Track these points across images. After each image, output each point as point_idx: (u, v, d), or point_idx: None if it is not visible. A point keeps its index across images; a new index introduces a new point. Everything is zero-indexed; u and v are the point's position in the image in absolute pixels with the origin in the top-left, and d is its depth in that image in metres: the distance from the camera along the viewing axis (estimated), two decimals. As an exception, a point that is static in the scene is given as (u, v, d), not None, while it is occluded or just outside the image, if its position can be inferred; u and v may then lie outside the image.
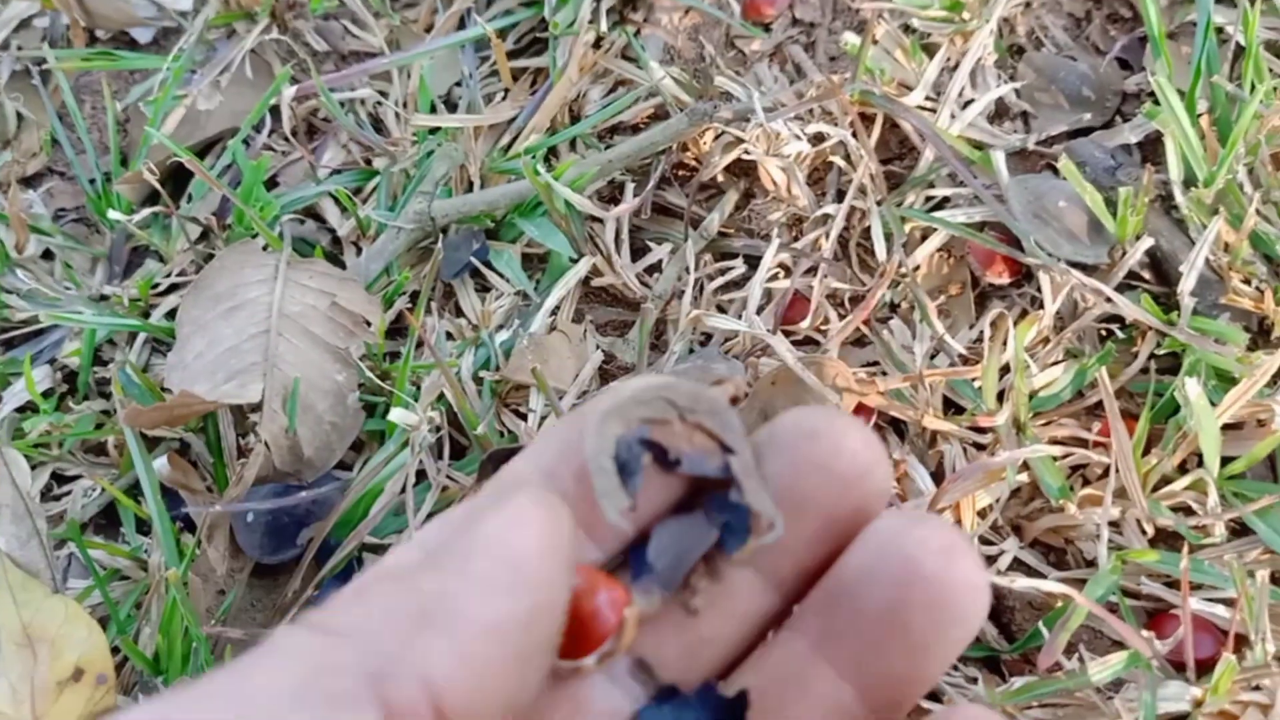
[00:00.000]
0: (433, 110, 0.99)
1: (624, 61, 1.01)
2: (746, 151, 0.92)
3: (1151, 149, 0.92)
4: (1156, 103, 0.86)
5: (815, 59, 1.03)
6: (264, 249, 0.90)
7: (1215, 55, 0.87)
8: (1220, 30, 0.92)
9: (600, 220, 0.93)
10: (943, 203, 0.91)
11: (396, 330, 0.95)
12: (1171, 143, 0.82)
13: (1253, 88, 0.85)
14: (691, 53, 1.03)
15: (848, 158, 0.93)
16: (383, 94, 1.04)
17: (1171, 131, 0.82)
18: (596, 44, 1.01)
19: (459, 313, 0.94)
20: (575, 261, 0.92)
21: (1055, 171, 0.90)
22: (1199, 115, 0.86)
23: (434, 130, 0.97)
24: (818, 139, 0.93)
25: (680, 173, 0.99)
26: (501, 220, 0.95)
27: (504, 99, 1.00)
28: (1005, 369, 0.80)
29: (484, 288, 0.95)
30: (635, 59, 1.01)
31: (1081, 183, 0.80)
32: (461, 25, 1.04)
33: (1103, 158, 0.87)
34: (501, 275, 0.93)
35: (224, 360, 0.82)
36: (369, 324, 0.87)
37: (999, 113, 0.96)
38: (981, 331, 0.87)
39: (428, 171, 0.93)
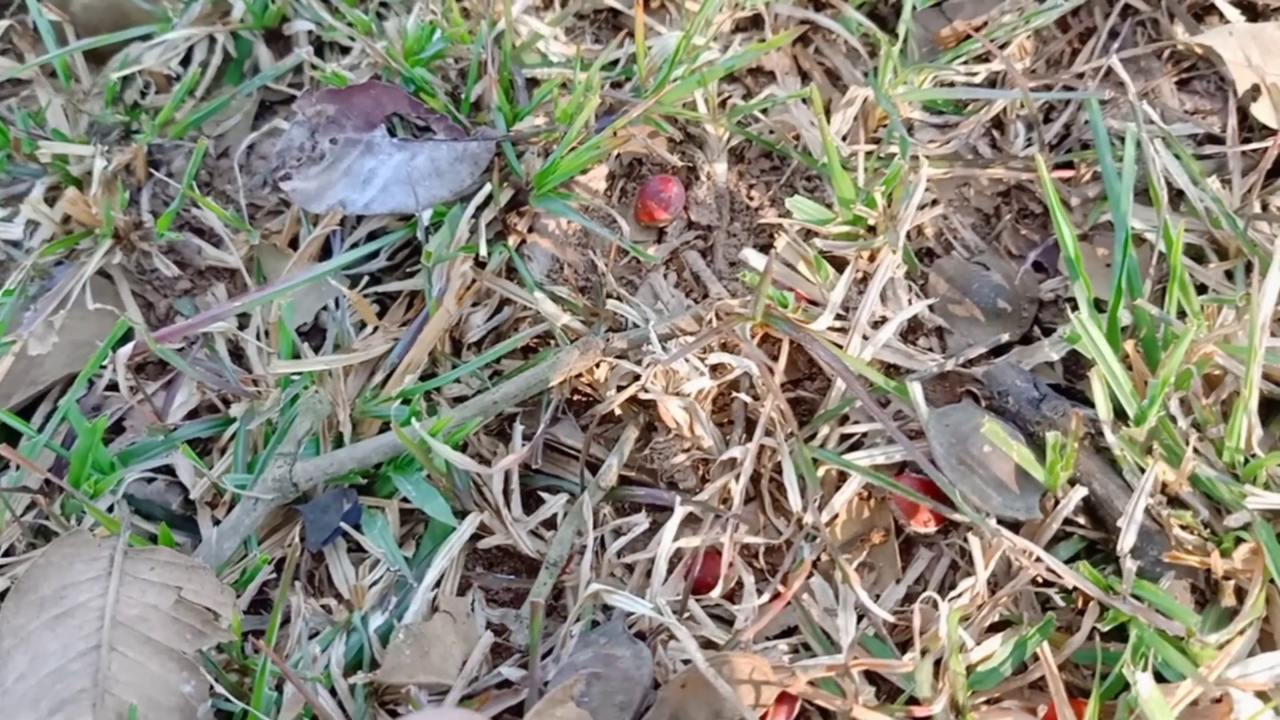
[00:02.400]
0: (295, 354, 0.89)
1: (507, 282, 0.92)
2: (644, 389, 0.83)
3: (1073, 364, 0.86)
4: (1075, 306, 0.81)
5: (713, 265, 0.96)
6: (96, 533, 0.78)
7: (1136, 273, 0.82)
8: (1139, 237, 0.86)
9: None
10: (860, 440, 0.83)
11: (261, 602, 0.84)
12: (1098, 382, 0.76)
13: (1180, 312, 0.80)
14: (581, 263, 0.95)
15: (752, 388, 0.86)
16: (242, 323, 0.94)
17: (1097, 370, 0.76)
18: (477, 263, 0.92)
19: (330, 583, 0.83)
20: (460, 519, 0.82)
21: (975, 399, 0.84)
22: (1123, 340, 0.80)
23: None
24: (719, 369, 0.85)
25: (575, 399, 0.90)
26: (376, 472, 0.85)
27: (374, 331, 0.90)
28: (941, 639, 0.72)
29: (358, 548, 0.84)
30: (519, 276, 0.92)
31: (1007, 442, 0.73)
32: (327, 248, 0.94)
33: (1025, 387, 0.80)
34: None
35: (49, 685, 0.71)
36: (220, 617, 0.76)
37: (912, 328, 0.89)
38: (909, 589, 0.79)
39: (289, 426, 0.83)
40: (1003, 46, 0.97)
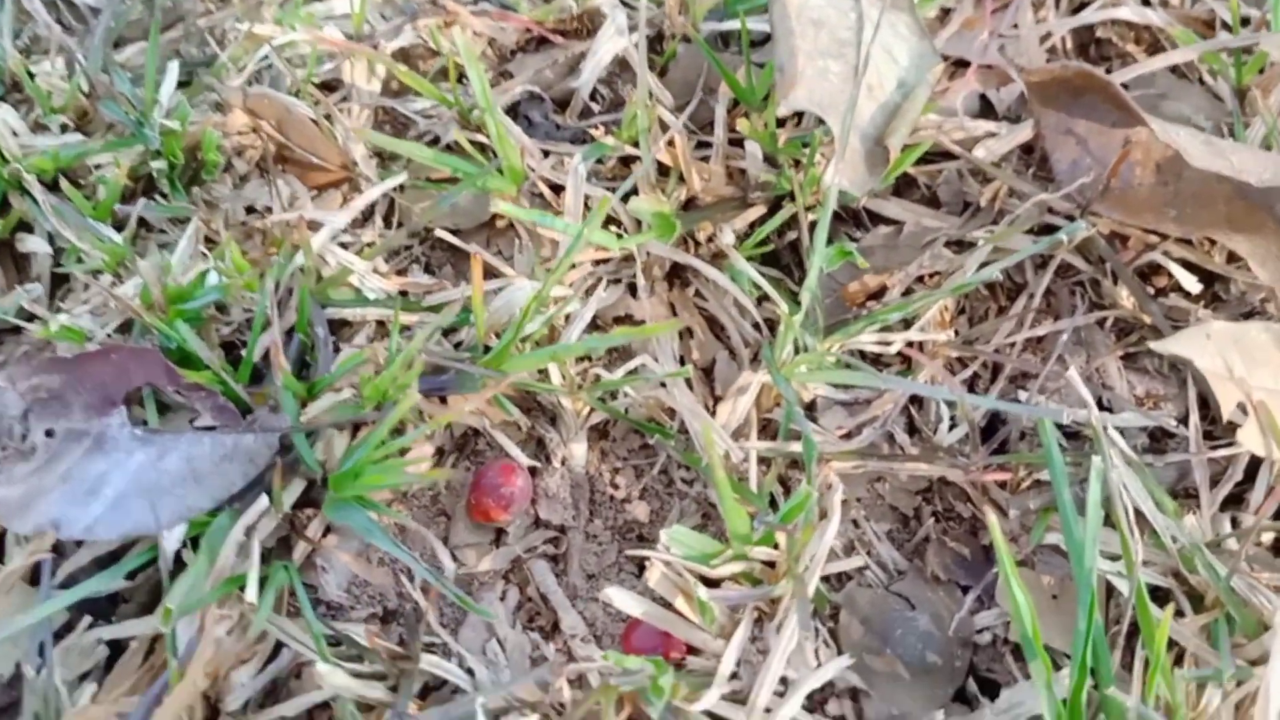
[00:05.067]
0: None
1: (288, 622, 0.69)
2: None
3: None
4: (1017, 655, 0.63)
5: (566, 579, 0.75)
6: None
7: (1103, 641, 0.64)
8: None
9: None
10: None
11: None
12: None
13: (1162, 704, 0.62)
14: (389, 586, 0.72)
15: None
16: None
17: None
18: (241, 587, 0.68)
19: None
20: None
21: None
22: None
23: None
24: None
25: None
26: None
27: (93, 699, 0.66)
28: None
29: None
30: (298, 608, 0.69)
31: None
32: (35, 579, 0.69)
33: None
34: None
35: None
36: None
37: (822, 687, 0.69)
38: None
39: None
40: (909, 323, 0.79)
